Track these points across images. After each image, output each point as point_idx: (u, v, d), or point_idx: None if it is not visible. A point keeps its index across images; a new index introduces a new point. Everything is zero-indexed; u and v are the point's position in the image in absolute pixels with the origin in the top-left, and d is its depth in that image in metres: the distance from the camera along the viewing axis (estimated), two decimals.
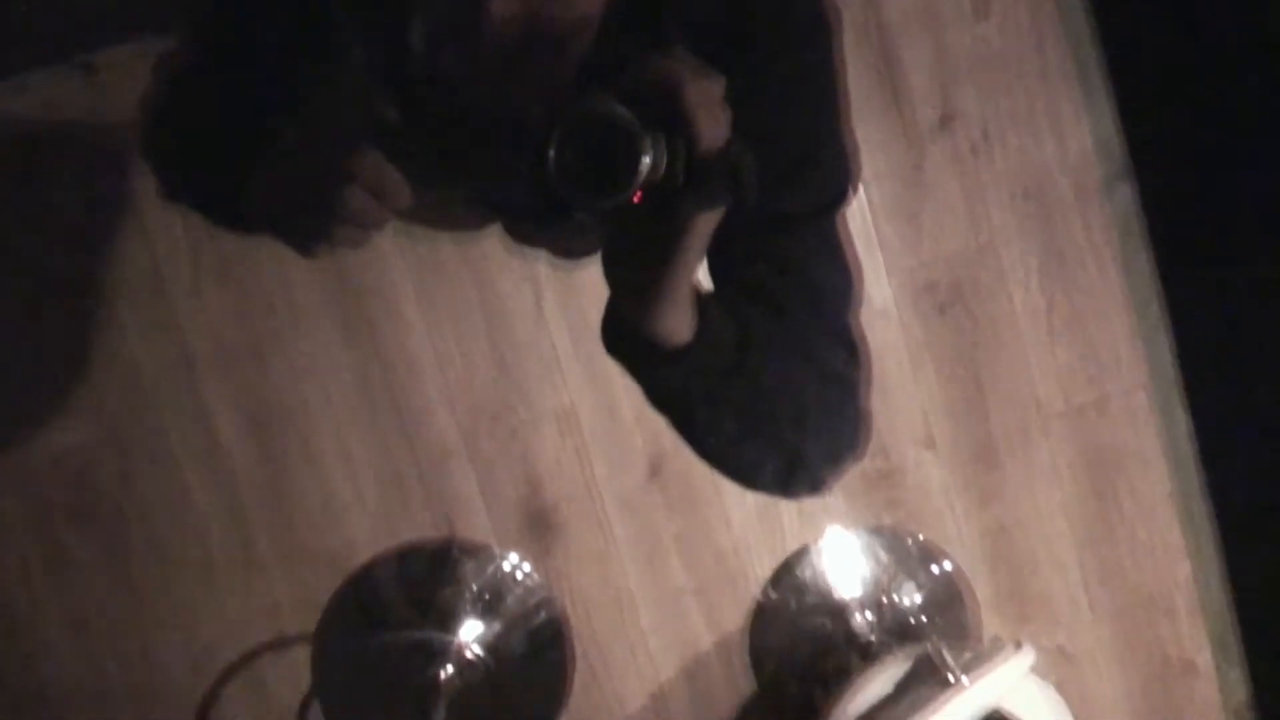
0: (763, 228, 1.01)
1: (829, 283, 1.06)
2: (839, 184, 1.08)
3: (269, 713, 1.92)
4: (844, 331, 1.07)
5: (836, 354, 1.05)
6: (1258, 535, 2.03)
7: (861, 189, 1.95)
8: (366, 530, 1.92)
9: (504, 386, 1.94)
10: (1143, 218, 1.99)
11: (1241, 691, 2.11)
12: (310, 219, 0.91)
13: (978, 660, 1.50)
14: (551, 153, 0.77)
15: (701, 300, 0.94)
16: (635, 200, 0.78)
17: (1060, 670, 2.08)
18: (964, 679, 1.45)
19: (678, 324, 0.92)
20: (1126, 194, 1.99)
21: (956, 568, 2.05)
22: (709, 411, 0.99)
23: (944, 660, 1.50)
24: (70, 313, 1.88)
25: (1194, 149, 1.93)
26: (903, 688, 1.57)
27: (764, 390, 0.99)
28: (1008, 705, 1.49)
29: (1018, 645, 1.53)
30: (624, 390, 1.95)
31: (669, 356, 0.94)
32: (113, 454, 1.90)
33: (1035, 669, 1.65)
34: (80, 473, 1.90)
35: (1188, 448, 2.05)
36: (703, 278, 0.96)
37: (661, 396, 1.00)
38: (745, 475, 1.07)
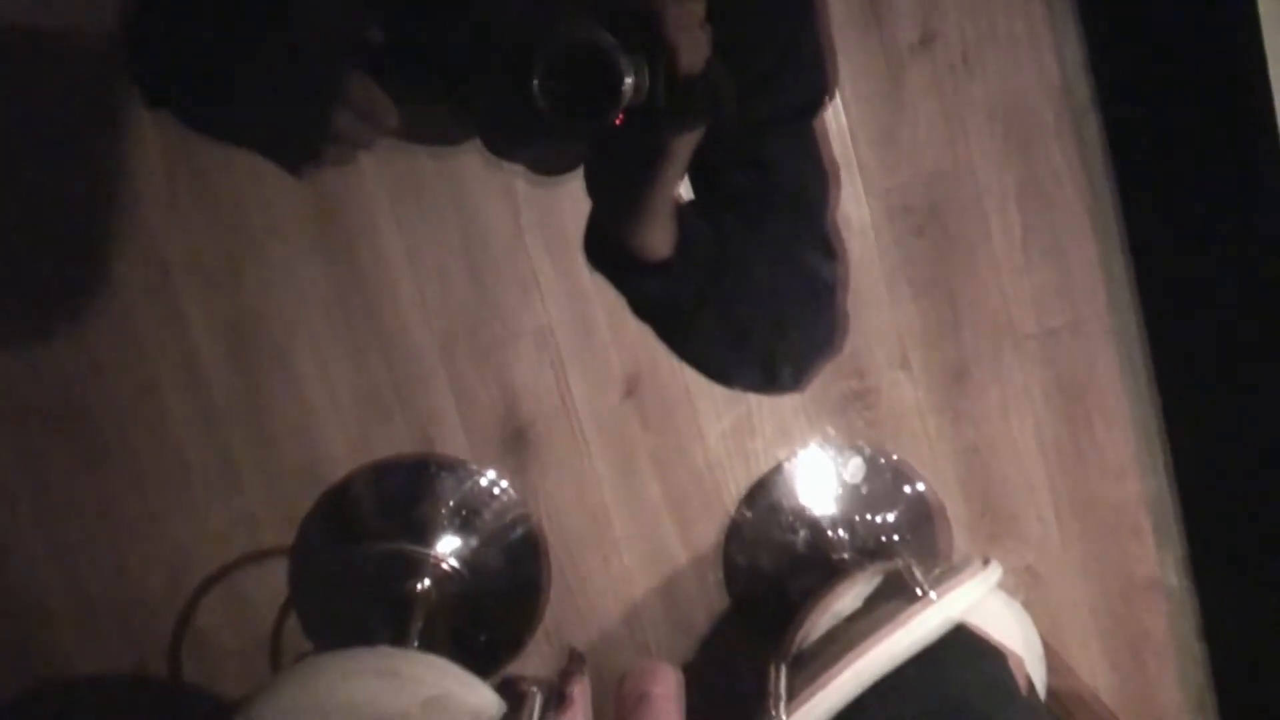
0: (741, 135, 1.03)
1: (807, 186, 1.08)
2: (816, 88, 1.09)
3: (247, 623, 1.94)
4: (822, 234, 1.09)
5: (814, 256, 1.08)
6: (1208, 461, 2.05)
7: (840, 109, 1.95)
8: (343, 445, 1.93)
9: (481, 304, 1.94)
10: (1106, 145, 2.00)
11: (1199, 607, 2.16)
12: (298, 140, 0.91)
13: (946, 575, 1.52)
14: (536, 77, 0.77)
15: (681, 212, 0.96)
16: (617, 122, 0.80)
17: (1028, 588, 2.12)
18: (931, 593, 1.48)
19: (658, 239, 0.95)
20: (1097, 122, 2.00)
21: (929, 488, 2.07)
22: (689, 319, 1.02)
23: (913, 575, 1.52)
24: (47, 225, 1.87)
25: (1159, 79, 1.92)
26: (872, 602, 1.60)
27: (743, 296, 1.01)
28: (973, 619, 1.51)
29: (985, 561, 1.55)
30: (601, 308, 1.95)
31: (650, 269, 0.97)
32: (89, 367, 1.90)
33: (1003, 586, 1.68)
34: (57, 384, 1.89)
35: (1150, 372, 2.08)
36: (683, 187, 0.97)
37: (643, 307, 1.03)
38: (725, 376, 1.10)
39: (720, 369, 1.09)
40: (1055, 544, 2.11)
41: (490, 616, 1.97)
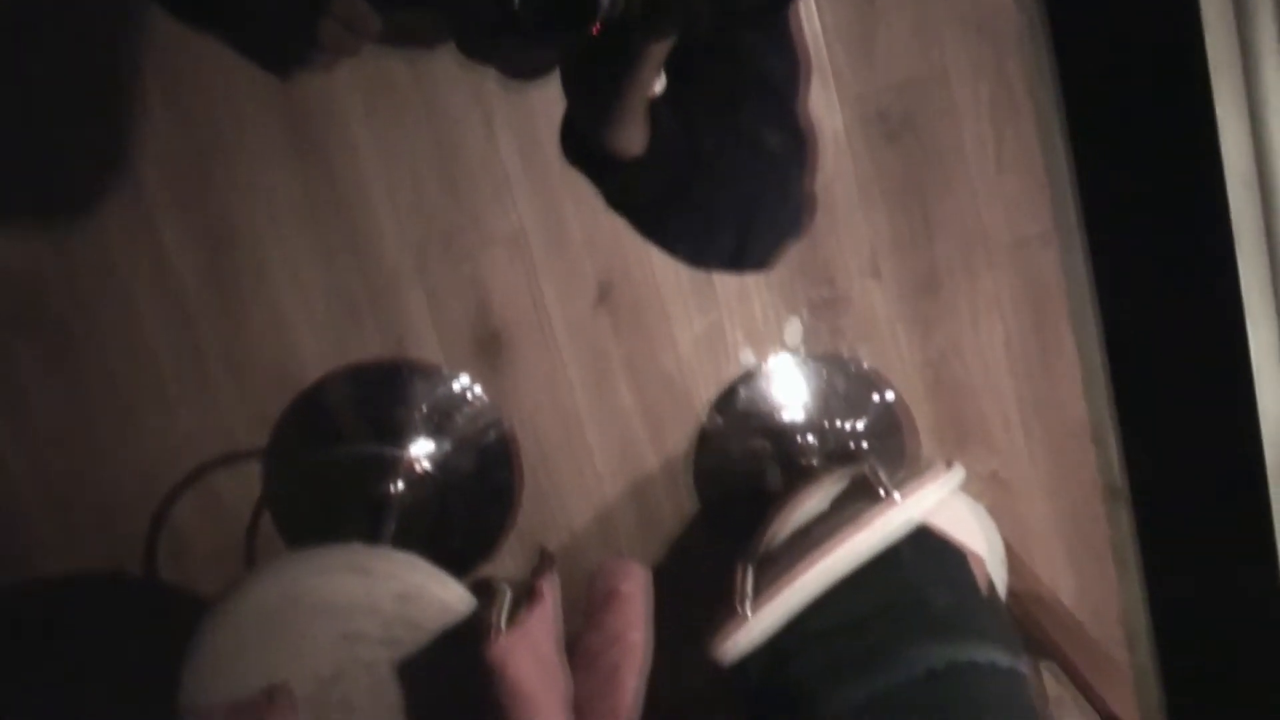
0: (715, 27, 1.04)
1: (778, 72, 1.10)
2: None
3: (222, 525, 1.96)
4: (792, 119, 1.11)
5: (783, 140, 1.10)
6: (1149, 375, 2.07)
7: (814, 13, 1.94)
8: (316, 350, 1.94)
9: (453, 209, 1.93)
10: (1052, 61, 2.00)
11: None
12: (282, 49, 0.93)
13: (910, 478, 1.55)
14: None
15: (654, 109, 0.98)
16: (594, 32, 0.82)
17: (994, 495, 2.15)
18: (895, 495, 1.50)
19: (632, 138, 0.98)
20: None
21: (898, 397, 2.10)
22: (662, 211, 1.06)
23: (877, 478, 1.55)
24: (16, 132, 1.85)
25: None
26: (838, 504, 1.62)
27: (714, 187, 1.05)
28: (936, 520, 1.54)
29: (948, 464, 1.58)
30: (574, 215, 1.95)
31: (624, 166, 1.00)
32: (61, 272, 1.89)
33: (968, 492, 1.71)
34: (29, 290, 1.89)
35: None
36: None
37: (617, 200, 1.07)
38: (695, 259, 1.14)
39: (690, 253, 1.13)
40: (1021, 452, 2.14)
41: (463, 519, 2.00)
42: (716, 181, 1.05)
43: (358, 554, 1.46)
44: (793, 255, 2.02)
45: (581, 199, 1.94)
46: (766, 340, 2.05)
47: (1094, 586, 2.22)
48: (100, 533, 1.97)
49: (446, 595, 1.44)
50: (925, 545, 1.53)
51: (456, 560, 1.99)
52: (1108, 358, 2.10)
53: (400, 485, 1.88)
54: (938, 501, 1.53)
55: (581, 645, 1.53)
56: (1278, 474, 1.72)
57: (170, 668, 1.49)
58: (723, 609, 1.56)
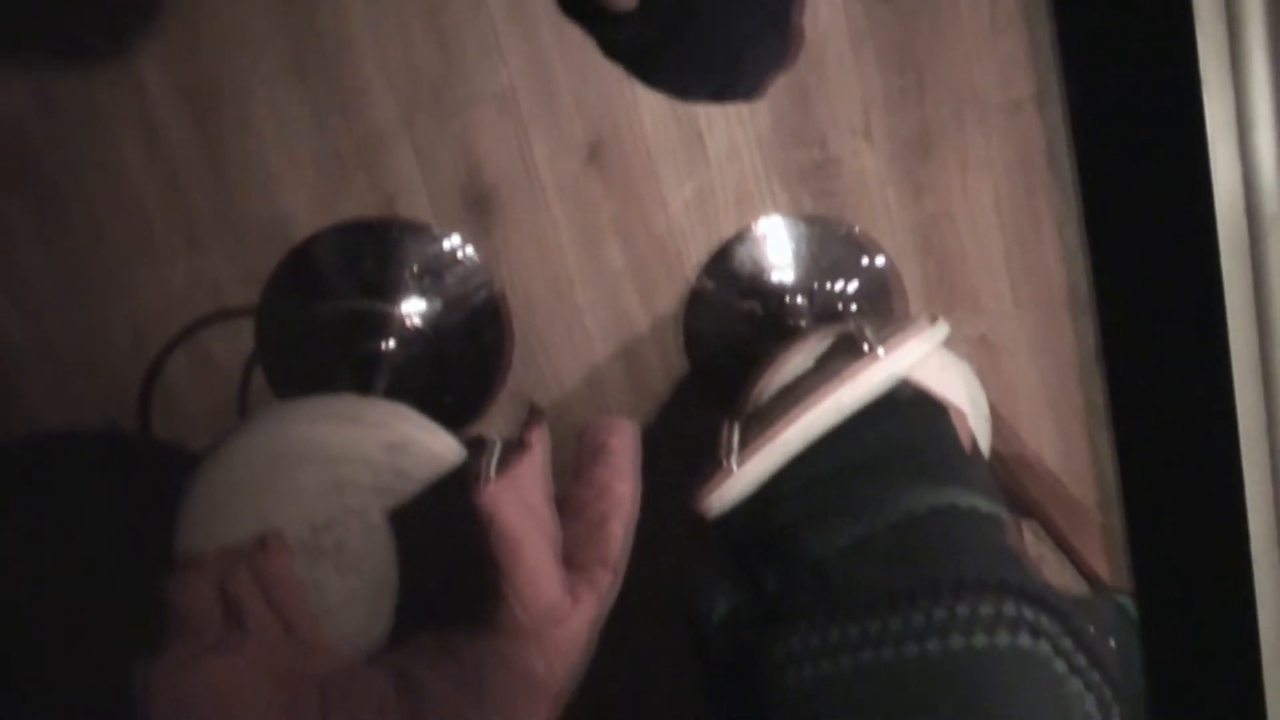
0: None
1: None
2: None
3: (214, 382, 1.98)
4: None
5: None
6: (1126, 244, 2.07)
7: None
8: (306, 206, 1.93)
9: (442, 65, 1.91)
10: None
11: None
12: None
13: (894, 333, 1.56)
14: None
15: None
16: None
17: (981, 359, 2.17)
18: (879, 349, 1.52)
19: None
20: None
21: (888, 260, 2.10)
22: (656, 57, 1.08)
23: (863, 333, 1.56)
24: None
25: None
26: (823, 361, 1.63)
27: (706, 31, 1.06)
28: (920, 376, 1.55)
29: (933, 319, 1.59)
30: (563, 73, 1.94)
31: (618, 18, 1.01)
32: (46, 124, 1.88)
33: (956, 355, 1.72)
34: (14, 141, 1.88)
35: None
36: None
37: (612, 50, 1.09)
38: (684, 95, 1.16)
39: (681, 90, 1.15)
40: (1009, 315, 2.16)
41: (453, 379, 2.01)
42: (708, 28, 1.06)
43: (348, 403, 1.48)
44: (784, 116, 2.00)
45: (571, 57, 1.92)
46: (757, 202, 2.05)
47: (1079, 453, 2.25)
48: (93, 390, 1.99)
49: (436, 445, 1.46)
50: (908, 399, 1.54)
51: (447, 418, 2.00)
52: (1085, 225, 2.09)
53: (391, 343, 1.89)
54: (921, 356, 1.55)
55: (570, 498, 1.56)
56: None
57: (164, 518, 1.52)
58: (708, 464, 1.58)
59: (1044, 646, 1.28)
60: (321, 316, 1.92)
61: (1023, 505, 1.88)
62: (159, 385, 1.97)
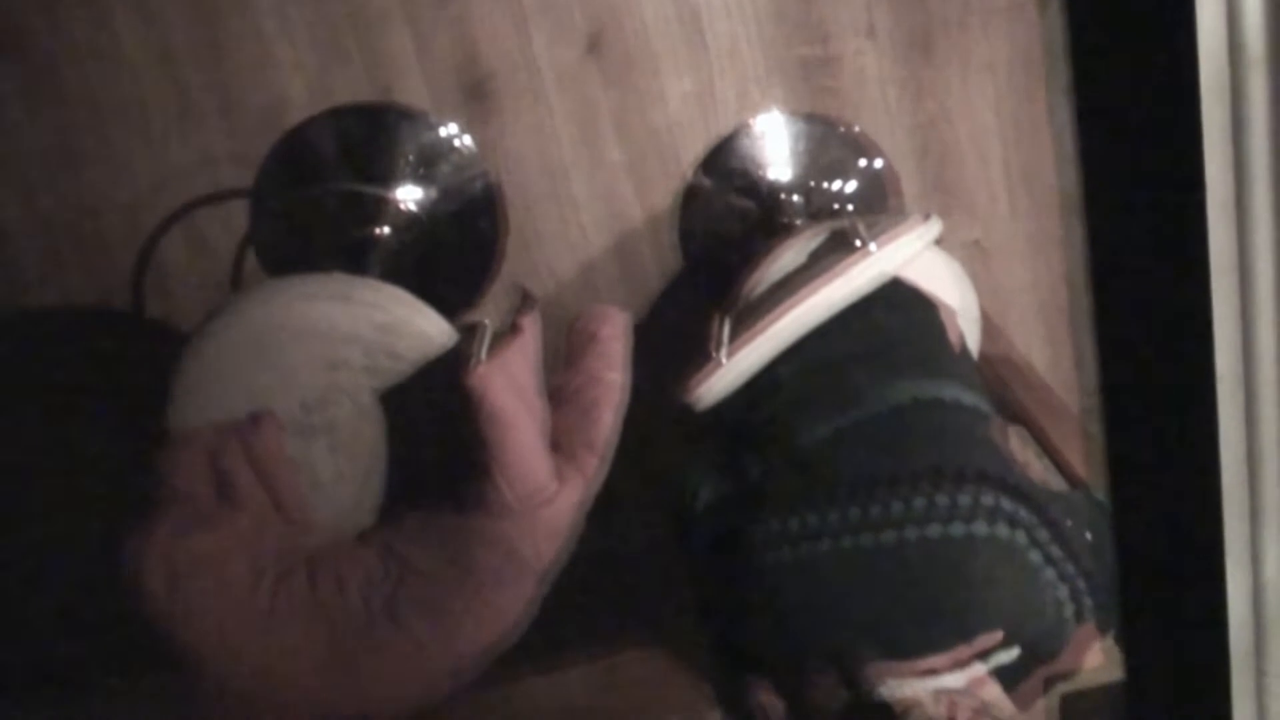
0: None
1: None
2: None
3: (208, 264, 1.97)
4: None
5: None
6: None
7: None
8: (302, 88, 1.92)
9: None
10: None
11: None
12: None
13: (886, 228, 1.56)
14: None
15: None
16: None
17: (974, 263, 2.17)
18: (871, 245, 1.52)
19: None
20: None
21: (886, 162, 2.09)
22: None
23: (855, 229, 1.56)
24: None
25: None
26: (815, 257, 1.64)
27: None
28: (911, 273, 1.56)
29: (926, 216, 1.59)
30: None
31: None
32: (39, 4, 1.86)
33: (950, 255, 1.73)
34: (7, 17, 1.86)
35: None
36: None
37: None
38: None
39: None
40: (1004, 220, 2.15)
41: (446, 267, 2.01)
42: None
43: (341, 283, 1.48)
44: (786, 12, 1.98)
45: None
46: (757, 99, 2.03)
47: (1065, 357, 2.26)
48: (86, 269, 1.99)
49: (428, 327, 1.48)
50: (898, 296, 1.55)
51: (439, 307, 2.01)
52: (1079, 129, 2.08)
53: (385, 229, 1.89)
54: (913, 253, 1.55)
55: (560, 385, 1.57)
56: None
57: (156, 396, 1.54)
58: (698, 356, 1.59)
59: (1020, 537, 1.31)
60: (316, 200, 1.92)
61: (1009, 408, 1.89)
62: (152, 265, 1.97)
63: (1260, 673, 0.58)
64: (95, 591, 1.55)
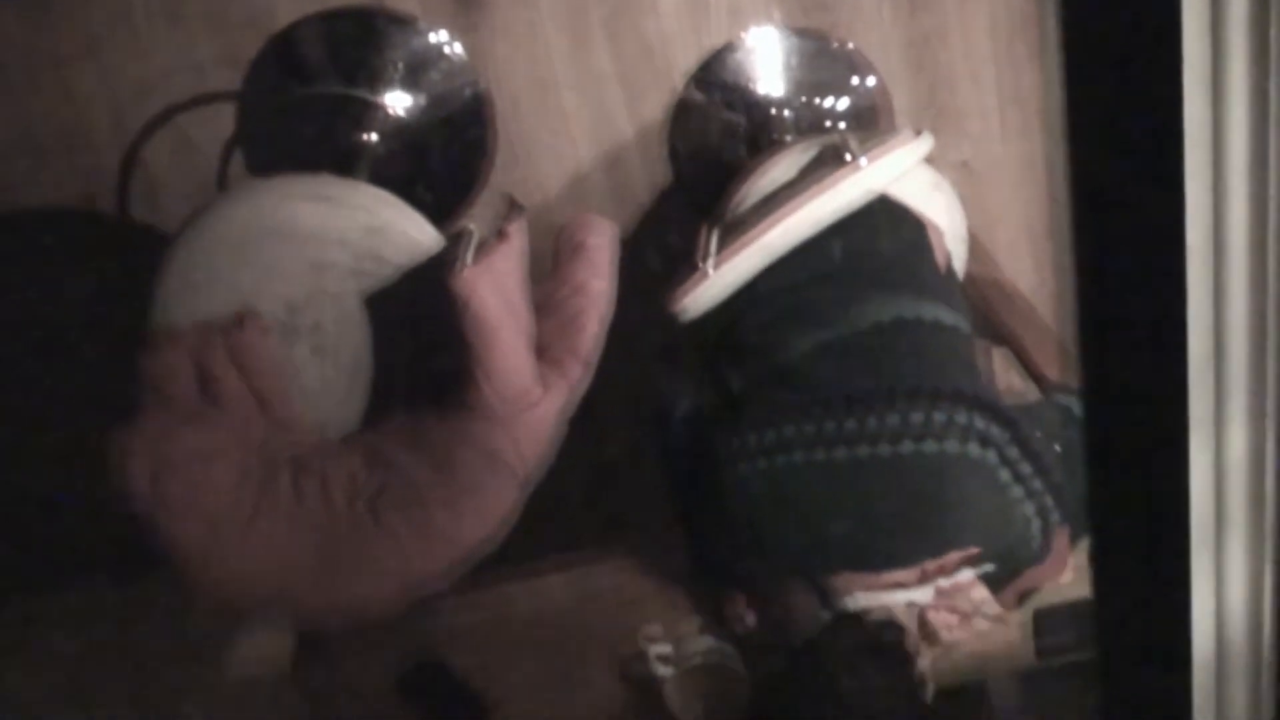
0: None
1: None
2: None
3: (194, 165, 1.96)
4: None
5: None
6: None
7: None
8: None
9: None
10: None
11: None
12: None
13: (877, 144, 1.56)
14: None
15: None
16: None
17: (964, 184, 2.16)
18: (862, 160, 1.52)
19: None
20: None
21: (879, 81, 2.08)
22: None
23: (846, 144, 1.56)
24: None
25: None
26: (805, 171, 1.64)
27: None
28: (900, 190, 1.56)
29: (917, 133, 1.58)
30: None
31: None
32: None
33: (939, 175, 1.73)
34: None
35: None
36: None
37: None
38: None
39: None
40: (995, 142, 2.15)
41: (434, 176, 2.00)
42: None
43: (327, 184, 1.48)
44: None
45: None
46: (750, 13, 2.01)
47: (1050, 280, 2.26)
48: (72, 170, 1.97)
49: (415, 232, 1.47)
50: (887, 213, 1.55)
51: (427, 216, 2.02)
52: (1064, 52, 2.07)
53: (373, 135, 1.88)
54: (903, 170, 1.55)
55: (546, 294, 1.58)
56: None
57: (142, 295, 1.54)
58: (685, 267, 1.59)
59: (991, 455, 1.32)
60: (304, 104, 1.90)
61: (993, 329, 1.90)
62: (138, 167, 1.95)
63: (1219, 568, 0.60)
64: (84, 494, 1.56)
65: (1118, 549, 0.70)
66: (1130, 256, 0.63)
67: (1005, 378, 1.98)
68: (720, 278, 1.54)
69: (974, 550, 1.36)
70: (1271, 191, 0.53)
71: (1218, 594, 0.61)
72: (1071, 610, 1.43)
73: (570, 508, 1.65)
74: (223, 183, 1.95)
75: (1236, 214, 0.54)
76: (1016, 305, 1.94)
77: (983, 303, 1.92)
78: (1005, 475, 1.34)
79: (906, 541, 1.35)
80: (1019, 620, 1.47)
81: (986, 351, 1.95)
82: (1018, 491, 1.35)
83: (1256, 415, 0.56)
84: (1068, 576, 1.43)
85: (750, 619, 1.47)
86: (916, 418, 1.32)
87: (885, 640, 1.32)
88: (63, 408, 1.92)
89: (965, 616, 1.36)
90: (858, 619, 1.35)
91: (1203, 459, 0.58)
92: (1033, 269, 2.25)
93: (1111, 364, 0.65)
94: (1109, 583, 0.71)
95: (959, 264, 1.74)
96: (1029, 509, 1.35)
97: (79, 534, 1.80)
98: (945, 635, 1.37)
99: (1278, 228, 0.53)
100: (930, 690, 1.33)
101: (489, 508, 1.40)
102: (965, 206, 1.78)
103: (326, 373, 1.51)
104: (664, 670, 1.41)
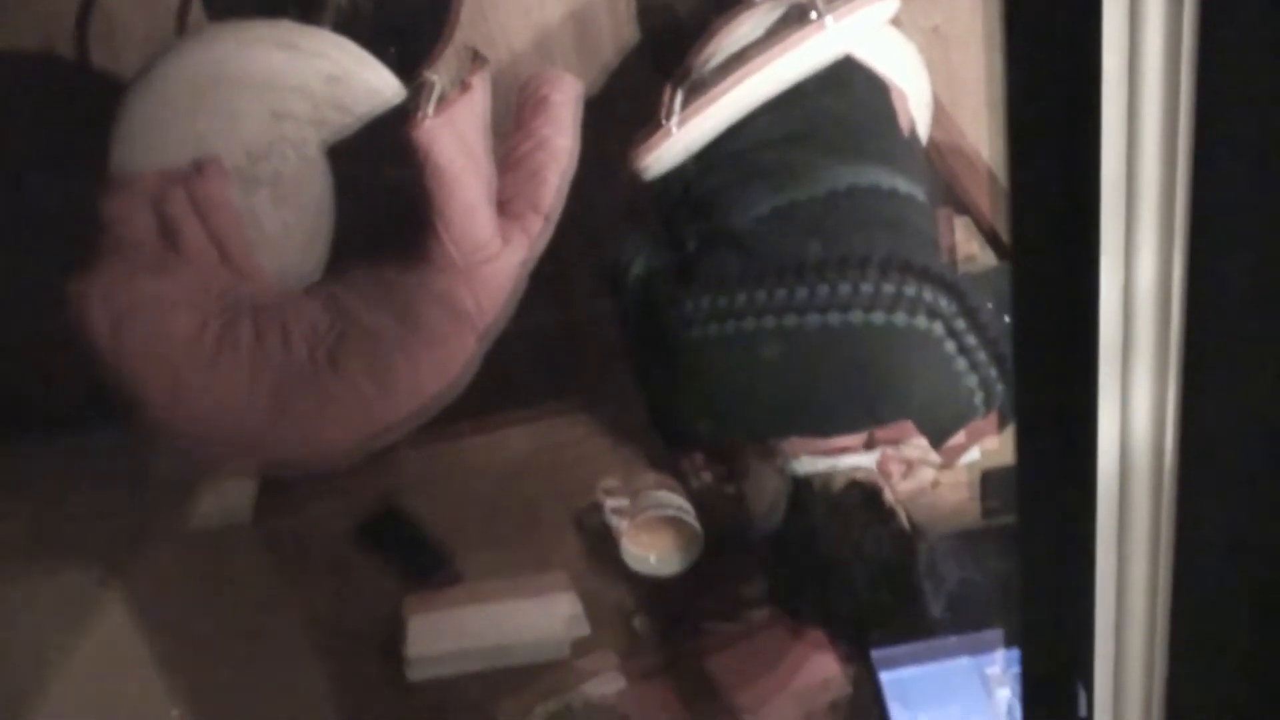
0: None
1: None
2: None
3: (151, 10, 1.92)
4: None
5: None
6: None
7: None
8: None
9: None
10: None
11: None
12: None
13: (845, 4, 1.54)
14: None
15: None
16: None
17: (932, 50, 2.14)
18: (827, 18, 1.51)
19: None
20: None
21: None
22: None
23: (813, 2, 1.54)
24: None
25: None
26: (772, 30, 1.62)
27: None
28: (864, 54, 1.55)
29: None
30: None
31: None
32: None
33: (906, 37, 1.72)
34: None
35: None
36: None
37: None
38: None
39: None
40: (964, 8, 2.12)
41: (399, 29, 1.96)
42: None
43: (287, 30, 1.46)
44: None
45: None
46: None
47: None
48: (29, 17, 1.93)
49: (376, 81, 1.46)
50: (851, 75, 1.55)
51: (390, 70, 2.00)
52: None
53: None
54: (869, 30, 1.54)
55: (509, 148, 1.57)
56: None
57: (100, 141, 1.52)
58: (649, 125, 1.59)
59: (938, 328, 1.35)
60: None
61: (959, 199, 1.91)
62: (97, 11, 1.91)
63: (1125, 389, 0.62)
64: (44, 341, 1.57)
65: (1032, 370, 0.72)
66: (1048, 91, 0.64)
67: (966, 246, 2.00)
68: (683, 135, 1.54)
69: (913, 420, 1.39)
70: (1186, 18, 0.54)
71: (1123, 414, 0.64)
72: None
73: (529, 364, 1.66)
74: (182, 28, 1.91)
75: (1151, 43, 0.55)
76: (979, 174, 1.95)
77: (946, 170, 1.93)
78: (951, 348, 1.36)
79: (852, 409, 1.38)
80: (967, 480, 1.51)
81: (948, 220, 1.96)
82: (962, 364, 1.37)
83: (1165, 242, 0.58)
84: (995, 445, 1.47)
85: (707, 475, 1.50)
86: (866, 288, 1.34)
87: (869, 492, 1.36)
88: (20, 255, 1.90)
89: (911, 465, 1.39)
90: (829, 477, 1.38)
91: (1113, 283, 0.60)
92: (998, 137, 2.25)
93: (1030, 193, 0.67)
94: (1022, 405, 0.74)
95: (923, 130, 1.74)
96: (972, 381, 1.38)
97: (42, 382, 1.81)
98: (897, 485, 1.40)
99: (1191, 55, 0.54)
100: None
101: (448, 358, 1.42)
102: (933, 72, 1.77)
103: (287, 222, 1.50)
104: (620, 523, 1.45)
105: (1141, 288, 0.60)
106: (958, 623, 1.33)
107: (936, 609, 1.31)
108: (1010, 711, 1.32)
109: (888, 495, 1.37)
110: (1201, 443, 0.65)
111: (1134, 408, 0.64)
